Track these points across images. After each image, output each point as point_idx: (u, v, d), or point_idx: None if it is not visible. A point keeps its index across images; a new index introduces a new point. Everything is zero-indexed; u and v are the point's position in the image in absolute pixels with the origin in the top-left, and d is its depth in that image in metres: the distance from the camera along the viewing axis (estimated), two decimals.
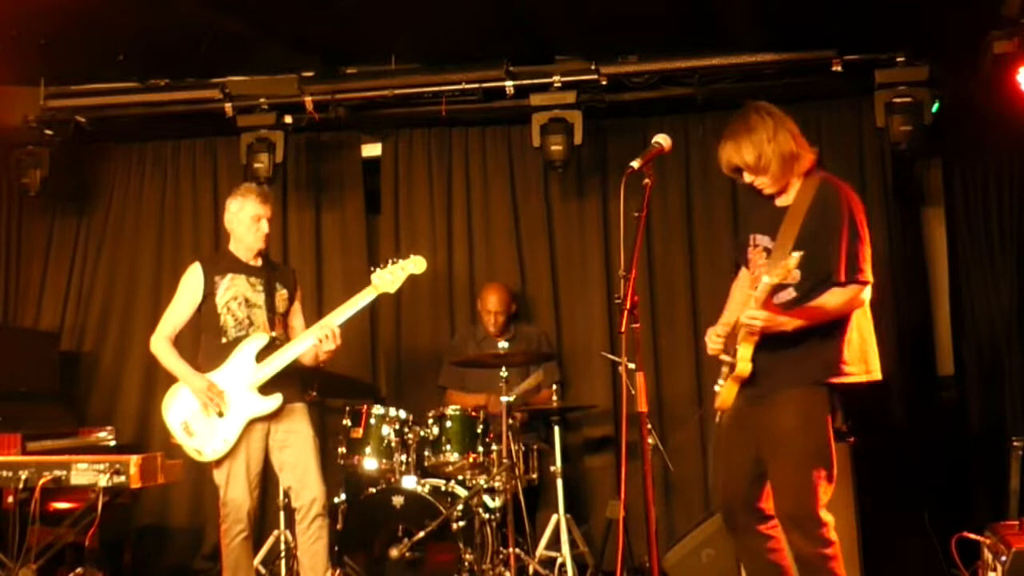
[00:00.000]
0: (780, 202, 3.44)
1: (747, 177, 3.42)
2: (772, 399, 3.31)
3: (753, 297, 3.25)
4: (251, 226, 4.35)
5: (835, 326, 3.29)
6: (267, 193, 4.46)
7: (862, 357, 3.33)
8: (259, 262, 4.42)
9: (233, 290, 4.31)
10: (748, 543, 3.42)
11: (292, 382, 4.35)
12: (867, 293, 3.31)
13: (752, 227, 3.52)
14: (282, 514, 5.15)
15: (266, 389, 4.24)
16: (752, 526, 3.39)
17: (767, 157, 3.32)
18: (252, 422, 4.23)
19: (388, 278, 4.37)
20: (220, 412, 4.21)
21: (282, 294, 4.43)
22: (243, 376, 4.24)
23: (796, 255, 3.06)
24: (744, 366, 3.28)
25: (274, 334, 4.32)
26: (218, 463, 4.23)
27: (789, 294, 3.32)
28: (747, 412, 3.38)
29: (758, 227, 3.48)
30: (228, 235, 4.47)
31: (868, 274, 3.29)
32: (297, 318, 4.54)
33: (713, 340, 3.42)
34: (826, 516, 3.26)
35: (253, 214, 4.34)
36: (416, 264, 4.43)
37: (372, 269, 4.45)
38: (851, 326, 3.31)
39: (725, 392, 3.38)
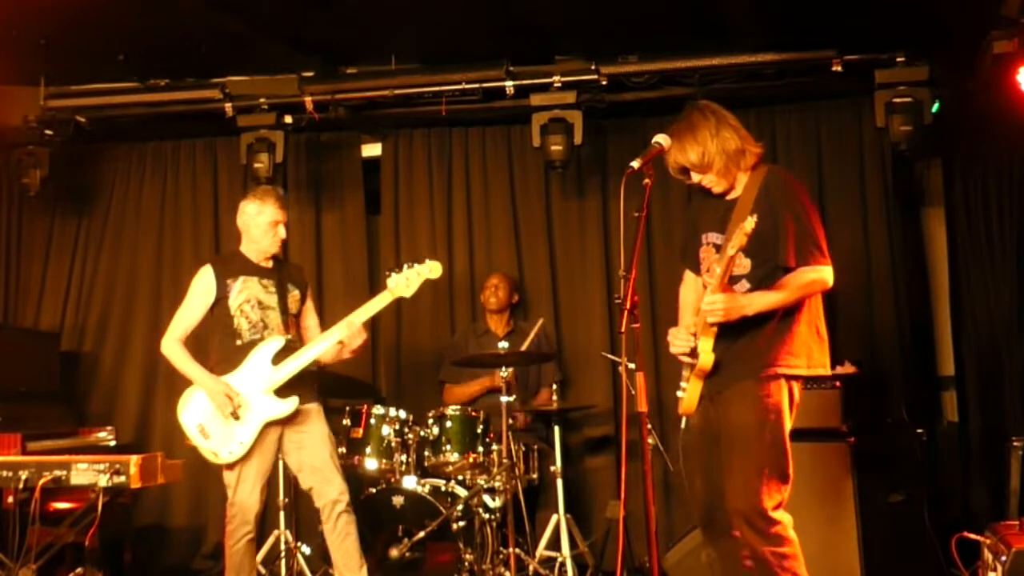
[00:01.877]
0: (729, 197, 3.44)
1: (695, 177, 3.42)
2: (726, 394, 3.31)
3: (710, 287, 3.24)
4: (268, 231, 4.33)
5: (783, 319, 3.27)
6: (285, 197, 4.44)
7: (808, 350, 3.31)
8: (270, 263, 4.40)
9: (246, 292, 4.29)
10: (727, 547, 3.38)
11: (307, 383, 4.33)
12: (827, 274, 3.29)
13: (703, 227, 3.50)
14: (282, 514, 5.15)
15: (281, 392, 4.22)
16: (730, 530, 3.34)
17: (711, 154, 3.33)
18: (268, 425, 4.21)
19: (403, 282, 4.34)
20: (236, 415, 4.19)
21: (294, 295, 4.41)
22: (259, 379, 4.22)
23: (752, 218, 3.04)
24: (706, 358, 3.25)
25: (289, 336, 4.31)
26: (230, 464, 4.22)
27: (743, 286, 3.32)
28: (712, 412, 3.37)
29: (708, 226, 3.47)
30: (239, 235, 4.44)
31: (823, 256, 3.28)
32: (310, 317, 4.52)
33: (677, 338, 3.37)
34: (779, 515, 3.22)
35: (272, 219, 4.33)
36: (432, 269, 4.40)
37: (387, 273, 4.41)
38: (800, 319, 3.30)
39: (690, 393, 3.34)
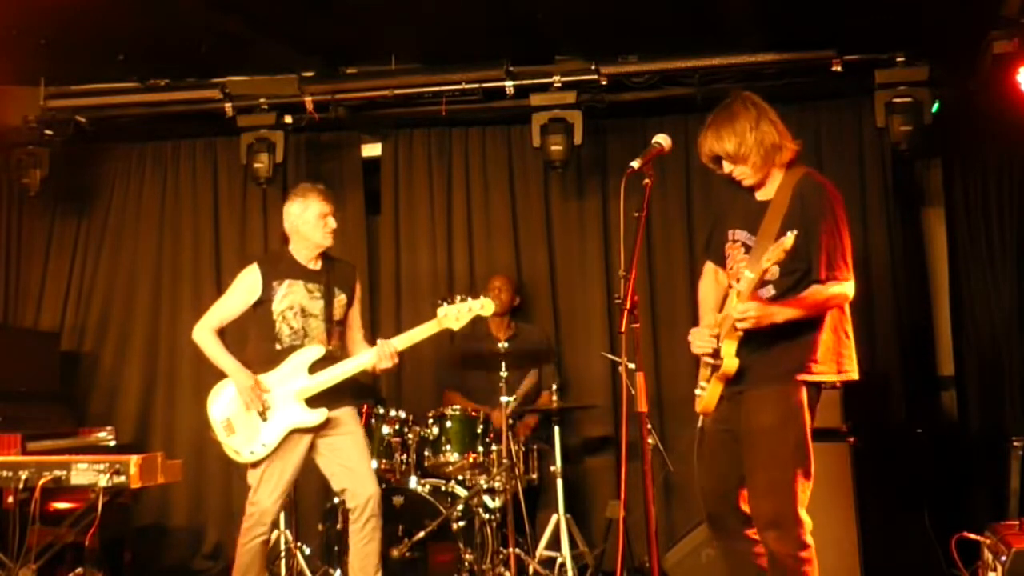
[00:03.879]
0: (760, 196, 3.38)
1: (726, 167, 3.36)
2: (747, 397, 3.28)
3: (736, 291, 3.20)
4: (318, 224, 4.27)
5: (808, 325, 3.25)
6: (326, 190, 4.39)
7: (834, 357, 3.29)
8: (319, 264, 4.34)
9: (290, 298, 4.24)
10: (735, 547, 3.36)
11: (343, 387, 4.29)
12: (850, 289, 3.26)
13: (730, 223, 3.44)
14: (282, 514, 5.14)
15: (313, 400, 4.20)
16: (740, 530, 3.34)
17: (747, 146, 3.27)
18: (295, 431, 4.19)
19: (454, 315, 4.29)
20: (263, 415, 4.18)
21: (340, 300, 4.35)
22: (293, 384, 4.19)
23: (792, 234, 3.00)
24: (730, 363, 3.23)
25: (331, 347, 4.28)
26: (254, 463, 4.20)
27: (768, 291, 3.28)
28: (728, 412, 3.34)
29: (736, 223, 3.41)
30: (285, 238, 4.40)
31: (848, 271, 3.25)
32: (356, 321, 4.47)
33: (702, 339, 3.34)
34: (805, 517, 3.20)
35: (319, 212, 4.27)
36: (485, 306, 4.34)
37: (439, 302, 4.36)
38: (825, 326, 3.27)
39: (710, 393, 3.32)
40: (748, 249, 3.33)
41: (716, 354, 3.27)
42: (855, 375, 3.34)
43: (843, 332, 3.32)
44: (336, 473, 4.27)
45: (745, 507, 3.32)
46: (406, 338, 4.30)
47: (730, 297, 3.29)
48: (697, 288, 3.66)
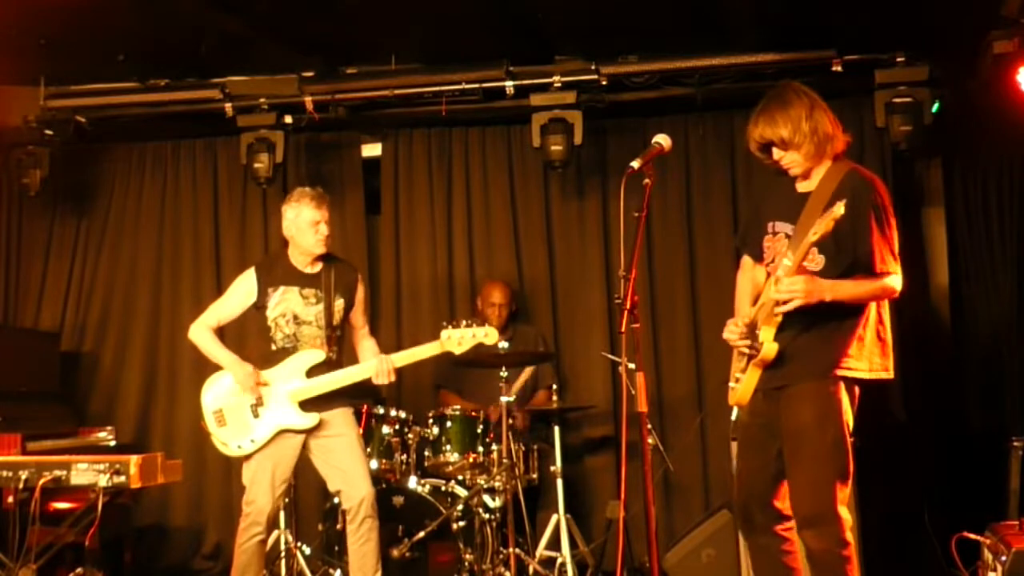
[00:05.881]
0: (801, 187, 3.36)
1: (776, 154, 3.32)
2: (787, 392, 3.25)
3: (775, 277, 3.17)
4: (308, 231, 4.30)
5: (846, 320, 3.23)
6: (321, 195, 4.40)
7: (868, 354, 3.28)
8: (316, 267, 4.37)
9: (283, 305, 4.28)
10: (763, 542, 3.36)
11: (337, 390, 4.31)
12: (899, 283, 3.26)
13: (770, 215, 3.41)
14: (282, 514, 5.14)
15: (306, 403, 4.23)
16: (769, 526, 3.33)
17: (802, 133, 3.26)
18: (286, 431, 4.21)
19: (457, 339, 4.32)
20: (255, 411, 4.20)
21: (338, 304, 4.36)
22: (289, 384, 4.22)
23: (841, 204, 2.96)
24: (770, 347, 3.18)
25: (329, 353, 4.30)
26: (247, 459, 4.22)
27: None
28: (764, 407, 3.31)
29: (777, 215, 3.38)
30: (285, 242, 4.43)
31: (897, 265, 3.26)
32: (359, 320, 4.51)
33: (732, 330, 3.32)
34: (845, 514, 3.18)
35: (310, 219, 4.30)
36: (489, 335, 4.37)
37: (444, 325, 4.39)
38: (863, 321, 3.26)
39: (745, 384, 3.29)
40: (791, 240, 3.30)
41: (753, 341, 3.24)
42: (889, 374, 3.34)
43: (880, 329, 3.32)
44: (330, 474, 4.29)
45: (778, 504, 3.32)
46: (407, 355, 4.34)
47: (768, 286, 3.25)
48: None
